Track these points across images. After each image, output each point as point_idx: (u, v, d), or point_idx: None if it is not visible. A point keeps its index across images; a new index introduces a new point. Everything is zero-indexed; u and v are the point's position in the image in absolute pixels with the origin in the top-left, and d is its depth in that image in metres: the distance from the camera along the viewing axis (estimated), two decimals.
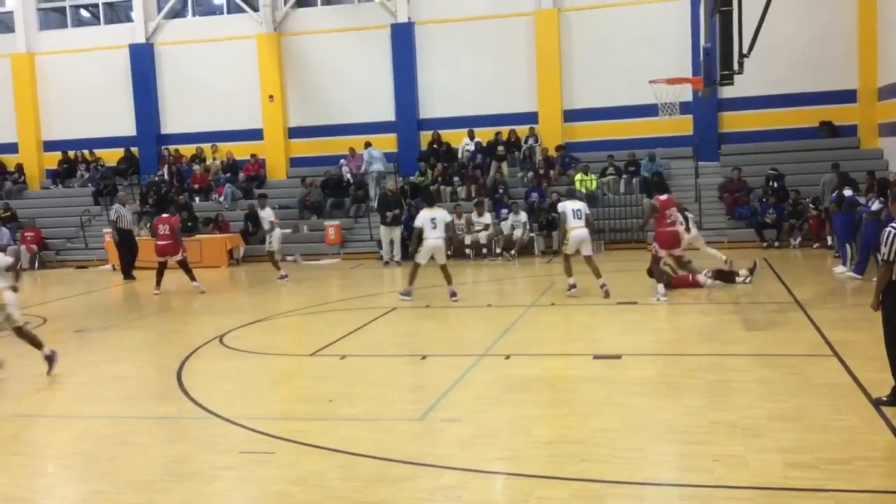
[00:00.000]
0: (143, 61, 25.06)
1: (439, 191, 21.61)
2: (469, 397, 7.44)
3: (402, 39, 23.37)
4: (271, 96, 24.37)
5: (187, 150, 24.95)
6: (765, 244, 18.47)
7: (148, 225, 20.42)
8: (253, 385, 8.53)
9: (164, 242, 15.59)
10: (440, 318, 11.97)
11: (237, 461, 6.07)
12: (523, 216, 19.22)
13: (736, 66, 10.16)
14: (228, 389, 8.23)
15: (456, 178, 21.74)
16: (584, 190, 20.02)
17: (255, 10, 24.40)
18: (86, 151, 25.84)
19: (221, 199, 23.12)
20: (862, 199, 14.19)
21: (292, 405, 7.86)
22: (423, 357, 9.15)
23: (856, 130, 21.09)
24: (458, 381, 7.95)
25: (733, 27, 10.06)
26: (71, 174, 25.78)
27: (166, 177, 24.21)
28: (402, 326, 11.56)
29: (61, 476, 6.22)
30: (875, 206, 12.83)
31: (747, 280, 13.14)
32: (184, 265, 15.61)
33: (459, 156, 22.68)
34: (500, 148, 22.08)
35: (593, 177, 20.71)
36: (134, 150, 25.39)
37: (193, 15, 25.71)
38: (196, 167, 24.40)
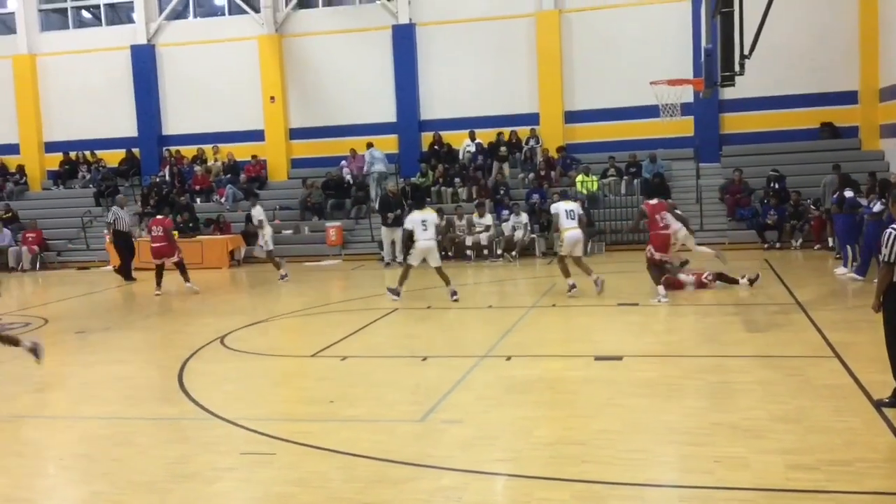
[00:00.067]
0: (144, 62, 25.09)
1: (440, 192, 21.65)
2: (470, 398, 7.44)
3: (404, 41, 23.39)
4: (272, 97, 24.40)
5: (188, 151, 24.99)
6: (766, 245, 18.47)
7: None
8: (254, 386, 8.53)
9: (159, 244, 15.61)
10: (441, 319, 11.97)
11: (238, 462, 6.07)
12: (524, 217, 19.22)
13: (737, 68, 10.14)
14: (229, 390, 8.22)
15: (457, 180, 21.75)
16: (585, 191, 20.05)
17: (257, 11, 24.43)
18: (87, 152, 25.87)
19: (223, 200, 23.13)
20: (863, 201, 14.18)
21: (293, 406, 7.86)
22: (424, 358, 9.14)
23: (857, 132, 21.09)
24: (459, 383, 7.95)
25: (734, 28, 10.05)
26: (72, 175, 25.81)
27: (167, 178, 24.23)
28: (403, 328, 11.56)
29: (62, 477, 6.22)
30: (877, 207, 12.83)
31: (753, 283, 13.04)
32: (180, 265, 15.63)
33: (460, 157, 22.69)
34: (503, 148, 22.11)
35: (594, 178, 20.70)
36: (135, 151, 25.44)
37: (195, 16, 25.74)
38: (197, 168, 24.42)
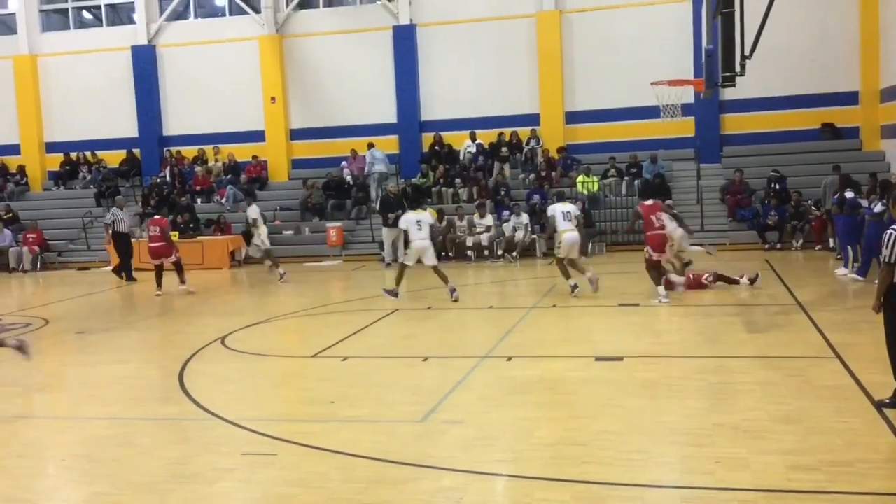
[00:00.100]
0: (145, 63, 25.11)
1: (441, 193, 21.65)
2: (471, 399, 7.44)
3: (404, 41, 23.40)
4: (273, 98, 24.40)
5: (189, 151, 25.00)
6: (766, 246, 18.46)
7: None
8: (255, 386, 8.53)
9: (156, 244, 15.61)
10: (441, 319, 11.97)
11: (239, 463, 6.07)
12: (525, 218, 19.22)
13: (738, 68, 10.13)
14: (230, 391, 8.22)
15: (458, 180, 21.75)
16: (585, 192, 20.05)
17: (257, 11, 24.44)
18: (88, 153, 25.88)
19: (223, 200, 23.13)
20: (864, 202, 14.18)
21: (294, 407, 7.86)
22: (425, 359, 9.14)
23: (858, 132, 21.10)
24: (459, 383, 7.95)
25: (735, 29, 10.05)
26: (73, 176, 25.81)
27: (168, 178, 24.23)
28: (403, 328, 11.55)
29: (63, 477, 6.22)
30: (877, 208, 12.82)
31: (753, 283, 13.05)
32: (177, 265, 15.64)
33: (461, 157, 22.69)
34: (504, 149, 22.11)
35: (595, 178, 20.71)
36: (136, 151, 25.45)
37: (195, 17, 25.76)
38: (198, 169, 24.43)
